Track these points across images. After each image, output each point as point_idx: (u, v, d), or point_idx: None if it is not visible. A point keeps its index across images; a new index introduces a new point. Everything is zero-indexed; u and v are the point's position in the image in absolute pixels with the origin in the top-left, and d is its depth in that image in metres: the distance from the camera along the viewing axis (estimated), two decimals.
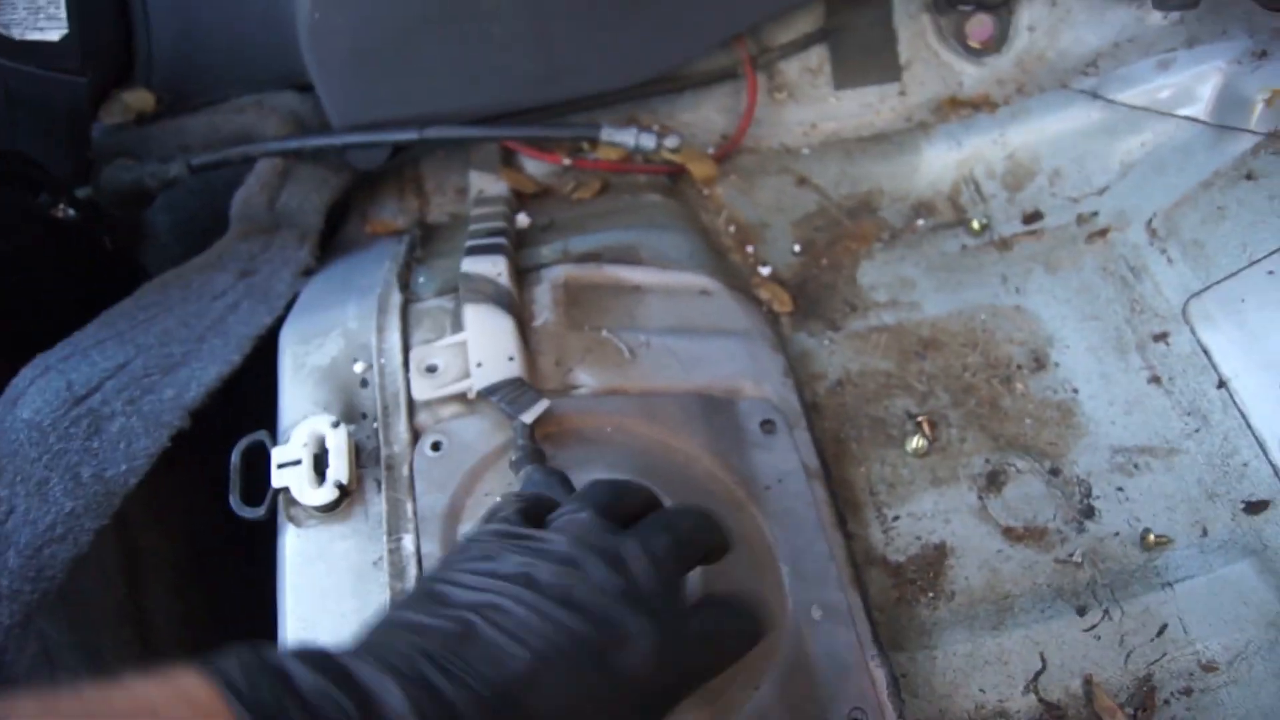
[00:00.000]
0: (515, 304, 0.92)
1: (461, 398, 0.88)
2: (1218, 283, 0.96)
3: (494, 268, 0.94)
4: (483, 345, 0.88)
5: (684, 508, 0.66)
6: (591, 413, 0.87)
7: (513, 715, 0.48)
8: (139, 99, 1.21)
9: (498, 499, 0.81)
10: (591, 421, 0.87)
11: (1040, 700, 0.81)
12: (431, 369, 0.89)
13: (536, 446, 0.82)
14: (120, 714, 0.40)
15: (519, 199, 1.13)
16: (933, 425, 0.96)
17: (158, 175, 1.13)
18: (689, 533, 0.62)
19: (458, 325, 0.91)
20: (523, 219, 1.07)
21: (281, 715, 0.42)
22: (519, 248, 1.02)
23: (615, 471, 0.82)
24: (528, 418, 0.83)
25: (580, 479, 0.79)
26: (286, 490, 0.82)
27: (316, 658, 0.47)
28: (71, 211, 1.10)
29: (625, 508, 0.63)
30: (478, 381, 0.86)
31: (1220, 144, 1.03)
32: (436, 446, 0.85)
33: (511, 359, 0.87)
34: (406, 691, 0.46)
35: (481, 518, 0.65)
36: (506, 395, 0.84)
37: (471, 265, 0.95)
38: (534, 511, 0.63)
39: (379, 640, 0.51)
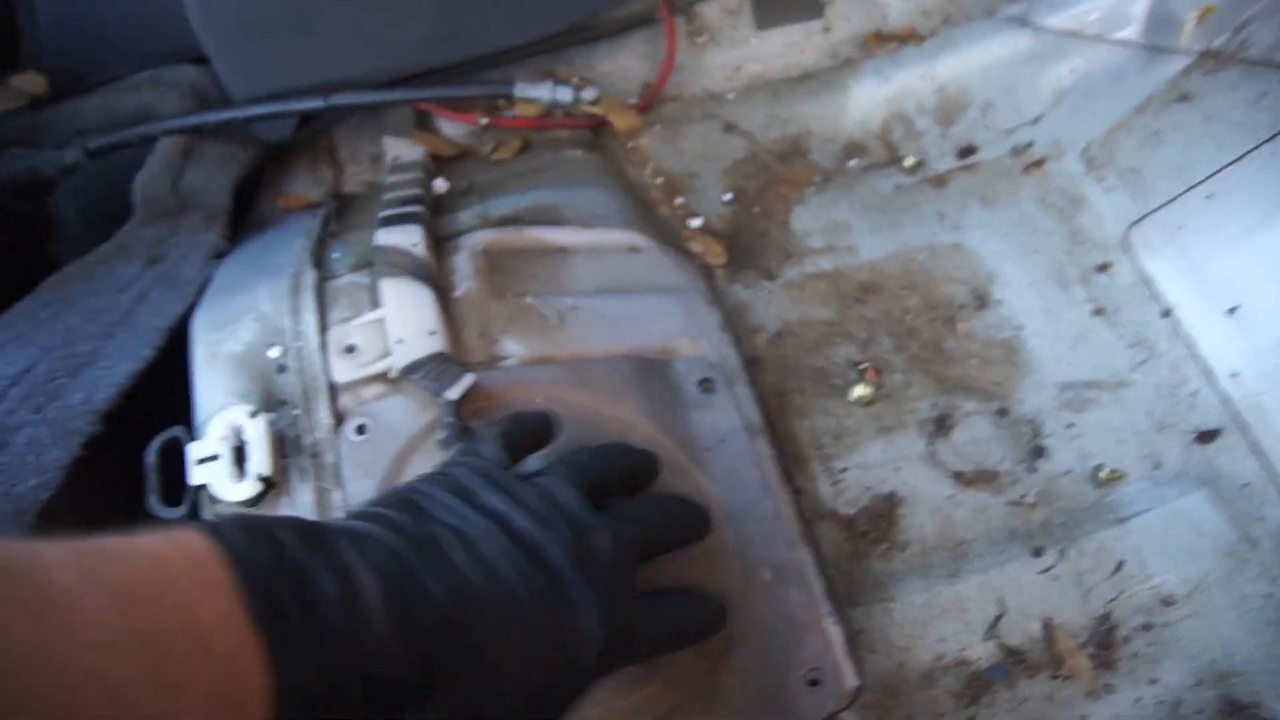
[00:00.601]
0: (434, 275, 0.88)
1: (384, 377, 0.83)
2: (1156, 209, 0.93)
3: (409, 238, 0.89)
4: (402, 321, 0.84)
5: (663, 501, 0.71)
6: (520, 384, 0.83)
7: (460, 638, 0.50)
8: (29, 82, 1.14)
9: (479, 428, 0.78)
10: (521, 393, 0.83)
11: (1001, 646, 0.80)
12: (350, 349, 0.84)
13: (464, 423, 0.78)
14: (115, 554, 0.42)
15: (437, 163, 1.08)
16: (876, 372, 0.94)
17: (54, 163, 1.06)
18: (659, 530, 0.66)
19: (376, 301, 0.87)
20: (440, 184, 1.02)
21: (269, 577, 0.44)
22: (437, 214, 0.98)
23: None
24: (453, 394, 0.79)
25: None
26: (206, 487, 0.78)
27: (305, 531, 0.49)
28: None
29: (606, 481, 0.66)
30: (399, 359, 0.82)
31: (1152, 66, 1.00)
32: (361, 430, 0.81)
33: (433, 333, 0.83)
34: (382, 580, 0.48)
35: (459, 449, 0.68)
36: (429, 372, 0.80)
37: (386, 237, 0.90)
38: (513, 450, 0.67)
39: (358, 528, 0.53)
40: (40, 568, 0.39)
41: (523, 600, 0.53)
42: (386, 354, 0.83)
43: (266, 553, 0.46)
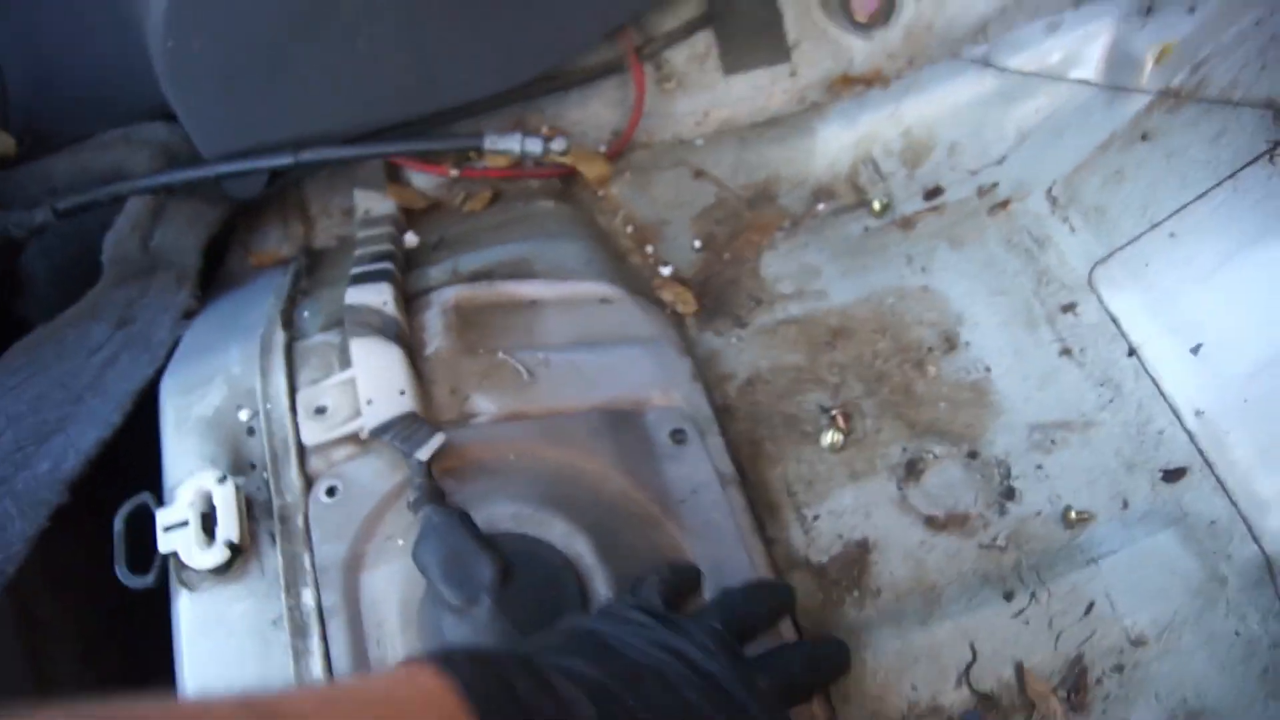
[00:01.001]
0: (404, 333, 0.88)
1: (354, 438, 0.83)
2: (1121, 248, 0.94)
3: (379, 296, 0.90)
4: (372, 381, 0.84)
5: (807, 645, 0.78)
6: (491, 442, 0.84)
7: None
8: None
9: (400, 542, 0.78)
10: (492, 451, 0.83)
11: (973, 691, 0.79)
12: (321, 410, 0.84)
13: (435, 484, 0.78)
14: (355, 699, 0.45)
15: (408, 216, 1.09)
16: (847, 418, 0.94)
17: (23, 224, 1.06)
18: (805, 675, 0.72)
19: (346, 361, 0.87)
20: (411, 238, 1.03)
21: (508, 717, 0.47)
22: (408, 270, 0.98)
23: (519, 502, 0.79)
24: (423, 455, 0.79)
25: (485, 513, 0.76)
26: (175, 554, 0.78)
27: (527, 665, 0.52)
28: None
29: (756, 620, 0.72)
30: (369, 420, 0.82)
31: (1114, 105, 1.01)
32: (331, 492, 0.81)
33: (403, 393, 0.83)
34: (597, 704, 0.52)
35: (627, 589, 0.72)
36: (400, 433, 0.80)
37: (356, 295, 0.90)
38: (673, 593, 0.72)
39: (566, 665, 0.55)
40: (283, 716, 0.40)
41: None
42: (357, 414, 0.83)
43: (498, 689, 0.48)
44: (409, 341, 0.88)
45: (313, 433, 0.83)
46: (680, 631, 0.63)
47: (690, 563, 0.78)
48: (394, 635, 0.74)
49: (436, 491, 0.78)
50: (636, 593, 0.70)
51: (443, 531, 0.73)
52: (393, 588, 0.76)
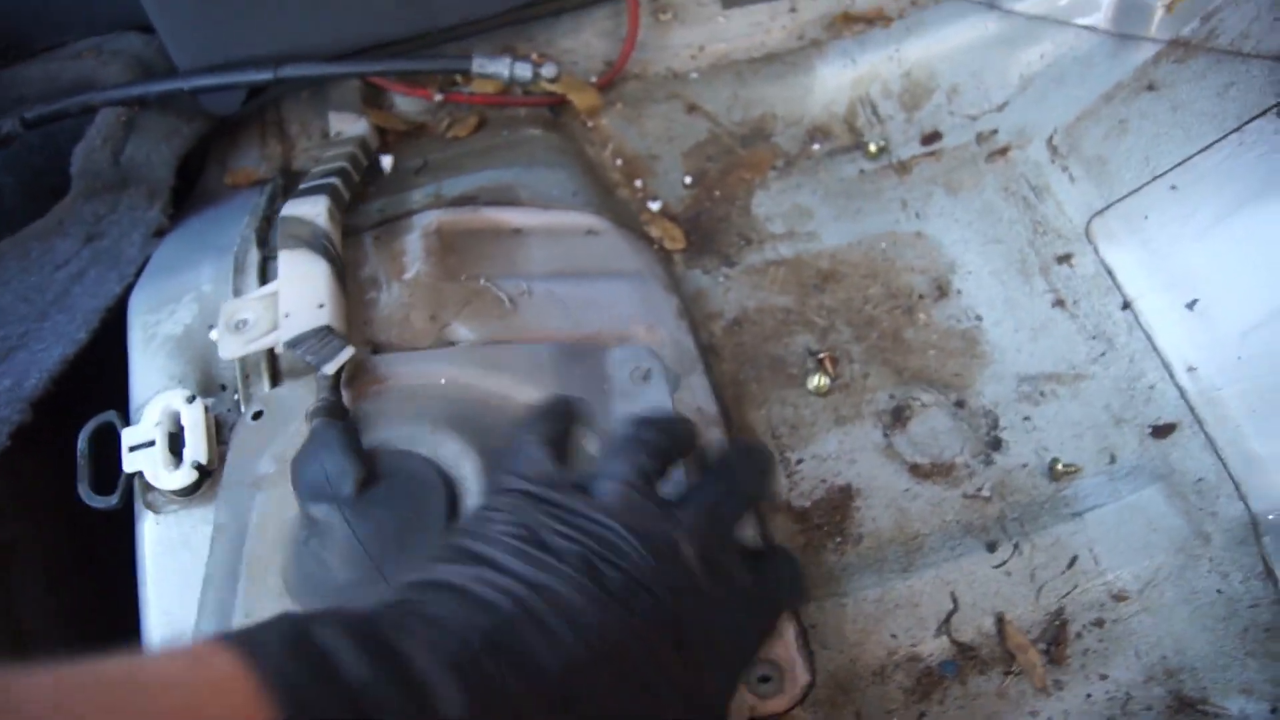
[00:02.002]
0: (333, 248, 0.84)
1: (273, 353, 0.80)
2: (1120, 199, 0.92)
3: (313, 209, 0.86)
4: (293, 294, 0.79)
5: (733, 458, 0.66)
6: (425, 366, 0.80)
7: (569, 713, 0.45)
8: None
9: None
10: (423, 377, 0.79)
11: (952, 641, 0.79)
12: (241, 324, 0.79)
13: (337, 400, 0.73)
14: (148, 711, 0.34)
15: (389, 139, 1.05)
16: (834, 362, 0.92)
17: None
18: (740, 501, 0.62)
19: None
20: (387, 162, 0.99)
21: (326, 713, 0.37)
22: (390, 193, 0.95)
23: (421, 424, 0.73)
24: (329, 369, 0.75)
25: (381, 433, 0.72)
26: (140, 475, 0.75)
27: (364, 634, 0.41)
28: None
29: (664, 466, 0.61)
30: (284, 333, 0.77)
31: (1121, 53, 0.99)
32: (258, 416, 0.77)
33: (322, 306, 0.78)
34: (468, 690, 0.41)
35: (504, 453, 0.62)
36: (311, 347, 0.76)
37: (292, 208, 0.86)
38: (558, 446, 0.61)
39: (425, 607, 0.46)
40: (14, 707, 0.31)
41: (626, 648, 0.48)
42: (275, 328, 0.79)
43: (316, 678, 0.38)
44: (336, 256, 0.84)
45: (230, 347, 0.78)
46: (574, 525, 0.52)
47: (558, 395, 0.69)
48: (266, 558, 0.69)
49: (337, 408, 0.73)
50: (516, 464, 0.59)
51: (319, 443, 0.69)
52: (281, 507, 0.71)
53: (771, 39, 1.16)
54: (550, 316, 0.86)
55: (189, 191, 1.06)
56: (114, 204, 0.98)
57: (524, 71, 1.04)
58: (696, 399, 0.84)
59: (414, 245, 0.88)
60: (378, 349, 0.82)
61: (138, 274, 0.91)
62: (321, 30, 1.03)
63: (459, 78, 1.09)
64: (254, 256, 0.87)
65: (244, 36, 1.01)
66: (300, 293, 0.80)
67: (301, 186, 0.90)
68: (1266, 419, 0.81)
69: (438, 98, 1.07)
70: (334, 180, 0.90)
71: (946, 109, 1.08)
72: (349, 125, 1.03)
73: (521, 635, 0.45)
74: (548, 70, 1.05)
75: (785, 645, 0.73)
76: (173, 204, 1.00)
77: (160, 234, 0.96)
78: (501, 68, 1.03)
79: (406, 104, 1.09)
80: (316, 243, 0.83)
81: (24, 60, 1.11)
